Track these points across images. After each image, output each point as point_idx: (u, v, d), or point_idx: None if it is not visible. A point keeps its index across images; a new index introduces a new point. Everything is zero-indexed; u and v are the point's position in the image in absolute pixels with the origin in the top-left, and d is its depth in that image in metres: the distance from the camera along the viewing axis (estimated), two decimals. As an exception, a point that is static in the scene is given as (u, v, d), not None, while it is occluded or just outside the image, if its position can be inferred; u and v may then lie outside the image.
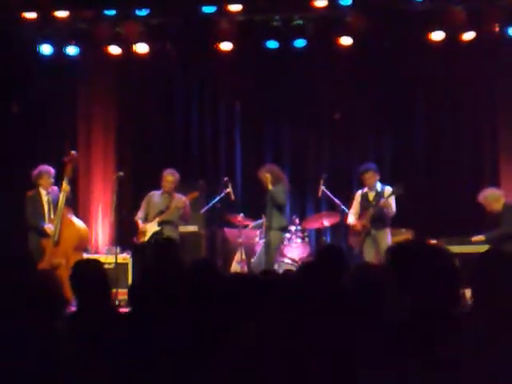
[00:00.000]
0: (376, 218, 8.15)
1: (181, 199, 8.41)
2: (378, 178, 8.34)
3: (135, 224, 8.56)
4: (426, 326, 2.33)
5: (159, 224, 8.36)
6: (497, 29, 9.05)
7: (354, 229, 8.35)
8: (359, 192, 8.51)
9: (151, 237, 8.31)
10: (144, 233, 8.37)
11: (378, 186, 8.33)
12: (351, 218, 8.44)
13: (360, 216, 8.32)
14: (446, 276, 2.43)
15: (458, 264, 3.12)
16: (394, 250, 2.68)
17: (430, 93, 9.91)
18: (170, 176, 8.52)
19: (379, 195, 8.23)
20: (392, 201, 8.16)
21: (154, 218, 8.41)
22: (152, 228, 8.37)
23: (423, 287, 2.49)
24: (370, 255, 8.13)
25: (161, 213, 8.40)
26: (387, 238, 8.19)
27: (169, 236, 7.71)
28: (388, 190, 8.20)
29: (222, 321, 2.73)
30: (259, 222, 9.11)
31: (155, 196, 8.58)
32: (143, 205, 8.59)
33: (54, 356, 2.76)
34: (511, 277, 3.34)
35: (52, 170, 8.33)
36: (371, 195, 8.33)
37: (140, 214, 8.55)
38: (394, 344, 2.29)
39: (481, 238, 7.86)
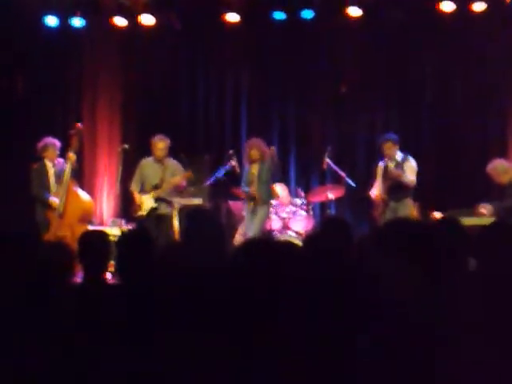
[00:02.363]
0: (394, 188, 8.01)
1: (174, 176, 8.27)
2: (397, 148, 8.14)
3: (131, 194, 8.43)
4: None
5: (156, 200, 8.29)
6: (508, 0, 8.97)
7: (375, 201, 8.23)
8: (380, 164, 8.29)
9: (150, 212, 8.25)
10: (140, 205, 8.28)
11: (399, 155, 8.14)
12: (373, 191, 8.29)
13: (382, 188, 8.16)
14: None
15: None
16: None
17: (439, 65, 9.81)
18: (160, 143, 8.31)
19: (399, 165, 8.07)
20: (412, 168, 8.03)
21: (150, 191, 8.30)
22: (149, 202, 8.29)
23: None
24: None
25: (156, 187, 8.30)
26: (407, 209, 8.00)
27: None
28: (410, 159, 8.08)
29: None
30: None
31: (148, 165, 8.38)
32: (137, 174, 8.41)
33: (57, 325, 2.78)
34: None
35: (57, 143, 8.30)
36: (391, 166, 8.13)
37: (134, 185, 8.38)
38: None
39: (487, 207, 7.72)
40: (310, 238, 3.78)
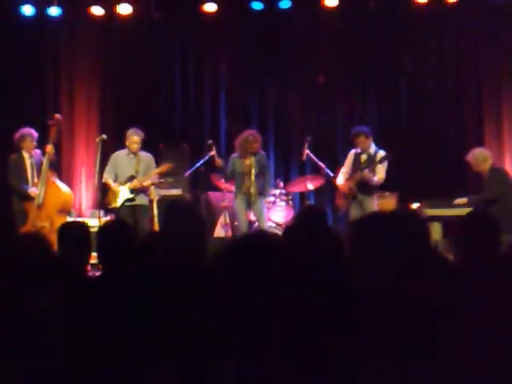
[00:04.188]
0: (363, 182, 8.01)
1: (149, 169, 8.25)
2: (370, 140, 8.13)
3: (105, 185, 8.31)
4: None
5: (131, 191, 8.24)
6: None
7: (341, 190, 8.29)
8: (353, 151, 8.28)
9: (123, 203, 8.20)
10: (115, 195, 8.22)
11: (372, 148, 8.15)
12: (340, 178, 8.29)
13: (349, 177, 8.17)
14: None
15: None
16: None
17: (415, 54, 9.87)
18: (136, 136, 8.22)
19: (371, 158, 8.08)
20: (382, 167, 8.03)
21: (125, 182, 8.20)
22: (124, 193, 8.21)
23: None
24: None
25: (131, 178, 8.25)
26: (374, 203, 8.09)
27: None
28: (380, 154, 8.07)
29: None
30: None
31: (121, 157, 8.30)
32: (110, 166, 8.30)
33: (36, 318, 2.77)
34: (494, 238, 3.39)
35: (34, 133, 8.23)
36: (363, 157, 8.14)
37: (108, 175, 8.26)
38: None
39: (464, 200, 7.85)
40: (289, 228, 3.81)
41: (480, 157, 7.89)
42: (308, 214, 4.27)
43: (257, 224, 8.55)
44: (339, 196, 8.30)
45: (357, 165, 8.16)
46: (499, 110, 9.56)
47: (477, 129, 9.64)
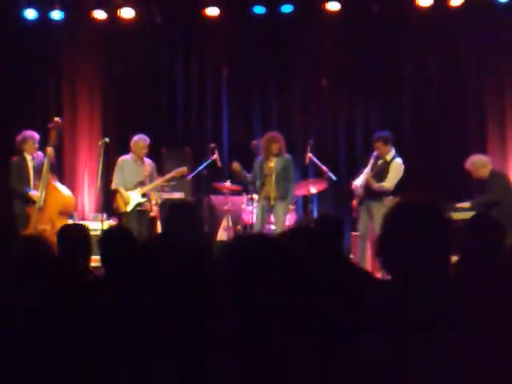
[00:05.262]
0: (369, 187, 7.92)
1: (152, 175, 8.32)
2: (389, 147, 7.95)
3: (116, 191, 8.33)
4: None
5: (143, 196, 8.26)
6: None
7: (354, 191, 8.13)
8: (375, 153, 8.10)
9: (135, 207, 8.22)
10: (127, 202, 8.24)
11: (390, 155, 7.97)
12: (358, 179, 8.11)
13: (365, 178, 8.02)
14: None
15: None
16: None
17: (418, 59, 9.86)
18: (142, 142, 8.27)
19: (385, 165, 7.94)
20: (394, 175, 7.89)
21: (135, 187, 8.26)
22: (136, 198, 8.26)
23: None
24: (364, 224, 7.99)
25: (141, 183, 8.28)
26: (382, 208, 7.57)
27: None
28: (397, 162, 7.91)
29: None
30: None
31: (127, 162, 8.34)
32: (117, 172, 8.34)
33: (36, 320, 2.76)
34: (497, 241, 3.38)
35: (36, 136, 8.24)
36: (379, 162, 8.02)
37: (118, 182, 8.30)
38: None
39: (466, 204, 7.85)
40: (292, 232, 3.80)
41: (479, 163, 7.91)
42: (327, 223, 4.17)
43: (272, 227, 8.40)
44: (354, 197, 8.20)
45: (374, 168, 8.04)
46: (502, 114, 9.55)
47: (479, 134, 9.63)
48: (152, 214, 8.32)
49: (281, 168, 8.17)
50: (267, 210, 8.24)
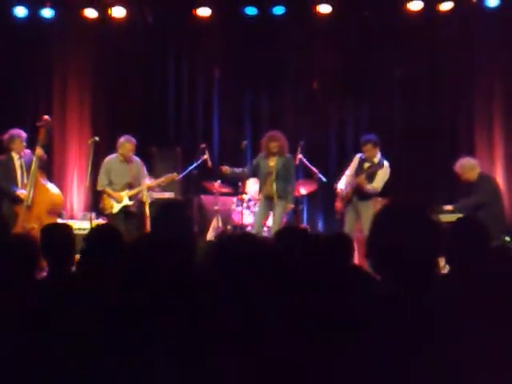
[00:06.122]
0: (359, 188, 7.94)
1: (139, 175, 8.31)
2: (377, 150, 7.99)
3: (103, 192, 8.30)
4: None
5: (130, 199, 8.23)
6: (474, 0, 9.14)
7: (338, 193, 8.18)
8: (358, 155, 8.17)
9: (121, 209, 8.19)
10: (119, 200, 8.19)
11: (377, 158, 8.01)
12: (342, 182, 8.19)
13: (350, 181, 8.08)
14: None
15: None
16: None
17: (408, 62, 9.89)
18: (129, 144, 8.23)
19: (373, 167, 7.96)
20: (382, 177, 7.94)
21: (123, 189, 8.22)
22: (123, 201, 8.22)
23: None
24: (350, 224, 8.02)
25: (129, 185, 8.25)
26: (371, 209, 7.79)
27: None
28: (385, 166, 7.93)
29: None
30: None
31: (113, 163, 8.30)
32: (104, 172, 8.29)
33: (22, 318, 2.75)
34: (483, 243, 3.40)
35: (24, 134, 8.18)
36: (366, 165, 8.03)
37: (104, 182, 8.26)
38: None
39: (453, 207, 7.92)
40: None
41: (467, 165, 7.98)
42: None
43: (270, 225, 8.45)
44: (338, 199, 8.25)
45: (359, 170, 8.06)
46: (491, 118, 9.59)
47: (468, 137, 9.67)
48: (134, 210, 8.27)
49: (281, 167, 8.22)
50: (269, 208, 8.31)
